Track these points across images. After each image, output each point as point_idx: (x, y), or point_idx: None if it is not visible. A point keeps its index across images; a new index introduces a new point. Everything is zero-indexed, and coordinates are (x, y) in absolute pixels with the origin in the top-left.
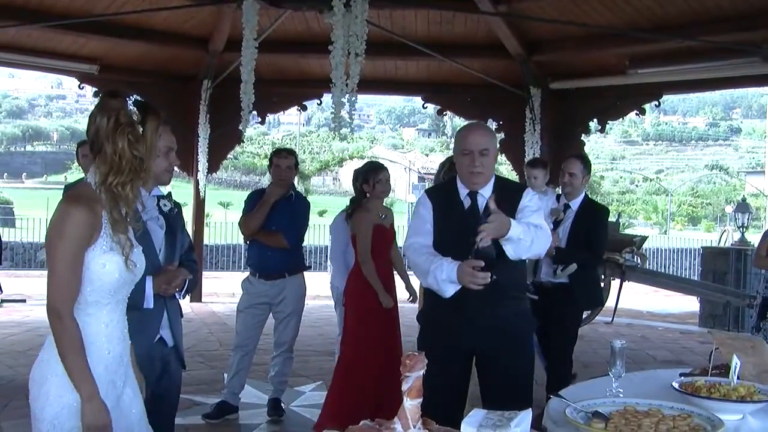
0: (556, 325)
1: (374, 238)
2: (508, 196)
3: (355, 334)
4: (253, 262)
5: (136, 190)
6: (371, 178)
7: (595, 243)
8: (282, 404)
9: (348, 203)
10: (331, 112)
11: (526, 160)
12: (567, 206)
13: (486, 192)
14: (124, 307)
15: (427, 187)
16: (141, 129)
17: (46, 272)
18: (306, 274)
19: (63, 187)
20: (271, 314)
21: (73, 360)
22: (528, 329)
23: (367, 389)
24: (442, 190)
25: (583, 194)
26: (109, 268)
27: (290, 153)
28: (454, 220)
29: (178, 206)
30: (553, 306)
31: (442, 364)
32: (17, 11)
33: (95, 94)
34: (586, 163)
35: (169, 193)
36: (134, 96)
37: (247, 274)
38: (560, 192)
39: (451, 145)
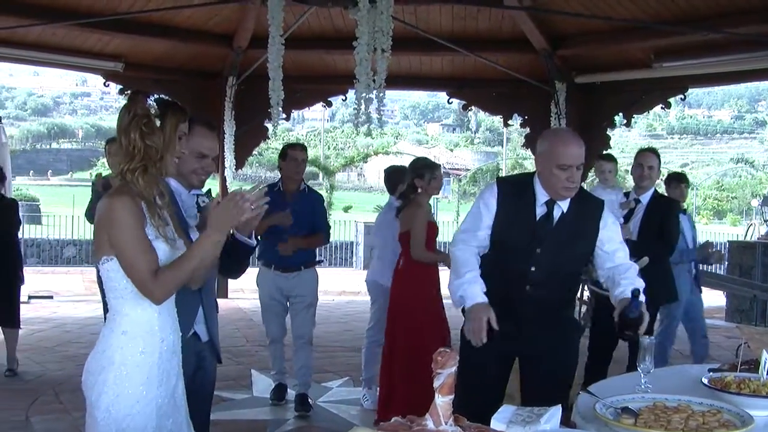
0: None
1: (426, 233)
2: (590, 211)
3: (409, 329)
4: (269, 256)
5: (148, 179)
6: (427, 175)
7: (668, 235)
8: (309, 399)
9: (394, 200)
10: (355, 109)
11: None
12: (637, 200)
13: (564, 204)
14: (173, 297)
15: (452, 183)
16: (159, 122)
17: (70, 269)
18: (333, 269)
19: (90, 183)
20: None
21: (190, 264)
22: (574, 334)
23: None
24: (517, 187)
25: (653, 189)
26: (157, 254)
27: (304, 148)
28: (521, 226)
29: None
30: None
31: (483, 364)
32: (43, 10)
33: (120, 92)
34: (659, 157)
35: (209, 190)
36: (160, 96)
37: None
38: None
39: (476, 140)
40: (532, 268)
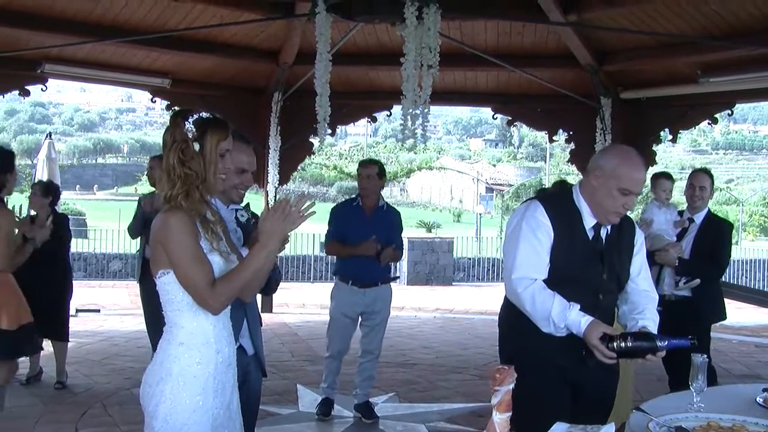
0: None
1: None
2: (626, 231)
3: None
4: (347, 271)
5: (191, 202)
6: None
7: (720, 256)
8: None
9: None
10: (401, 124)
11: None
12: (691, 220)
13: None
14: (228, 309)
15: (495, 199)
16: (198, 146)
17: (116, 282)
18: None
19: (137, 199)
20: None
21: (244, 275)
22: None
23: None
24: (563, 212)
25: (707, 209)
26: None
27: (373, 163)
28: (577, 254)
29: (255, 217)
30: (679, 324)
31: (542, 384)
32: (92, 28)
33: (167, 108)
34: (712, 177)
35: (248, 204)
36: (200, 114)
37: (329, 283)
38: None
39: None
40: (600, 296)
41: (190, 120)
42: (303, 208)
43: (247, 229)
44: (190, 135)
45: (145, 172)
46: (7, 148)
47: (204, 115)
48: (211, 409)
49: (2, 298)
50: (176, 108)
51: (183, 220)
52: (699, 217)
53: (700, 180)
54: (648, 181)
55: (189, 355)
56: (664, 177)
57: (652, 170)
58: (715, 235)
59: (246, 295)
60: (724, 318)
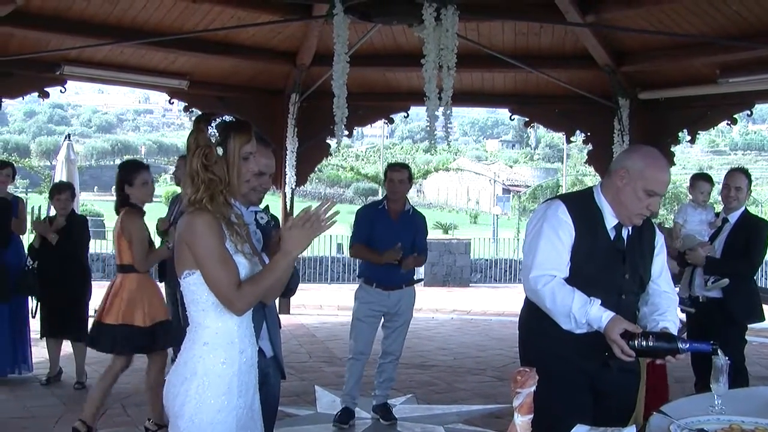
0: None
1: None
2: (647, 232)
3: None
4: (372, 274)
5: (216, 206)
6: None
7: (753, 253)
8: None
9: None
10: (427, 126)
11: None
12: (726, 220)
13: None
14: (251, 311)
15: (511, 200)
16: (221, 150)
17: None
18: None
19: (170, 199)
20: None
21: (268, 280)
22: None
23: None
24: (585, 212)
25: (743, 209)
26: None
27: (404, 167)
28: (599, 254)
29: (275, 219)
30: (709, 323)
31: (566, 392)
32: (111, 29)
33: (185, 109)
34: (749, 177)
35: (267, 207)
36: (223, 117)
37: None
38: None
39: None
40: (622, 296)
41: (213, 124)
42: (327, 216)
43: (266, 231)
44: (213, 140)
45: (168, 174)
46: (136, 160)
47: (227, 118)
48: (235, 409)
49: (138, 297)
50: (194, 110)
51: (209, 222)
52: (734, 217)
53: (736, 180)
54: (686, 182)
55: (214, 355)
56: (703, 179)
57: (674, 171)
58: (749, 233)
59: (267, 297)
60: (762, 320)
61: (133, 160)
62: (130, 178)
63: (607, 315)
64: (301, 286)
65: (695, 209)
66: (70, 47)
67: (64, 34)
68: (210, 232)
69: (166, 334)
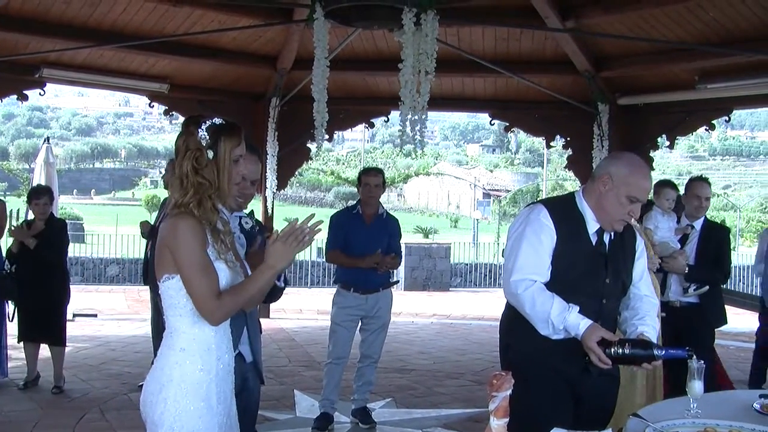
0: (694, 348)
1: None
2: (628, 237)
3: None
4: (349, 278)
5: (203, 211)
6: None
7: (724, 262)
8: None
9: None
10: (399, 130)
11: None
12: (691, 226)
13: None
14: (228, 318)
15: (492, 205)
16: (212, 153)
17: (113, 287)
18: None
19: (160, 203)
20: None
21: (249, 292)
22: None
23: None
24: (567, 216)
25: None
26: (218, 275)
27: (378, 172)
28: (581, 259)
29: (259, 224)
30: (687, 328)
31: (545, 396)
32: (90, 32)
33: (165, 113)
34: (710, 185)
35: (252, 212)
36: (212, 120)
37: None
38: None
39: (516, 161)
40: (603, 301)
41: (203, 127)
42: (311, 224)
43: (250, 236)
44: (203, 142)
45: (161, 176)
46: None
47: (216, 120)
48: (216, 416)
49: None
50: (174, 113)
51: (193, 226)
52: (698, 224)
53: (706, 191)
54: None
55: (191, 361)
56: (668, 186)
57: (654, 176)
58: (717, 242)
59: (247, 306)
60: (726, 323)
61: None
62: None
63: (584, 323)
64: None
65: (663, 216)
66: (50, 50)
67: (43, 37)
68: (193, 237)
69: None
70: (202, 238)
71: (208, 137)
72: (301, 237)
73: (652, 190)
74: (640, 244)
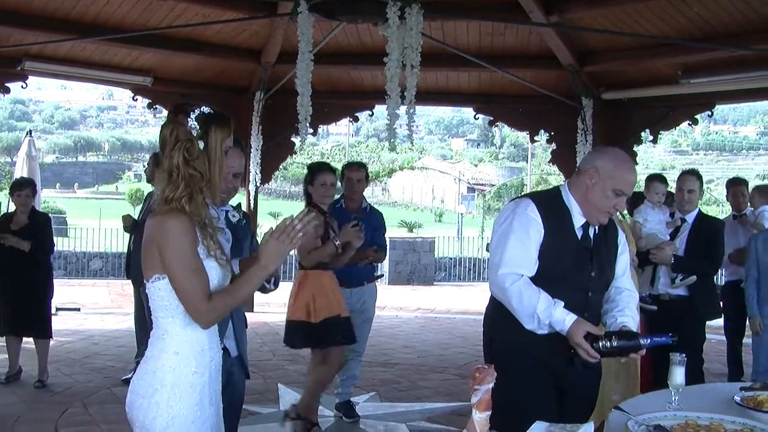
0: (682, 340)
1: None
2: (611, 231)
3: None
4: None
5: (194, 206)
6: None
7: (715, 253)
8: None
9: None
10: (387, 124)
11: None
12: (683, 219)
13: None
14: (219, 320)
15: (476, 199)
16: (203, 144)
17: (97, 281)
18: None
19: (146, 195)
20: None
21: (242, 294)
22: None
23: None
24: (553, 210)
25: (698, 209)
26: (209, 273)
27: (361, 166)
28: (567, 253)
29: (246, 217)
30: (676, 321)
31: (529, 390)
32: (73, 25)
33: (149, 106)
34: (701, 179)
35: (239, 204)
36: (201, 108)
37: None
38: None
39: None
40: (589, 294)
41: (193, 116)
42: (303, 220)
43: (236, 229)
44: (194, 132)
45: (128, 172)
46: (323, 162)
47: (205, 109)
48: (208, 419)
49: (306, 292)
50: (158, 107)
51: (184, 225)
52: (690, 217)
53: (689, 183)
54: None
55: (185, 365)
56: (658, 180)
57: (638, 171)
58: (709, 233)
59: (239, 306)
60: (720, 316)
61: (320, 162)
62: (312, 178)
63: (570, 318)
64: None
65: (653, 209)
66: (32, 42)
67: (25, 29)
68: (184, 237)
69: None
70: (192, 237)
71: (198, 127)
72: (294, 234)
73: (643, 185)
74: (622, 239)
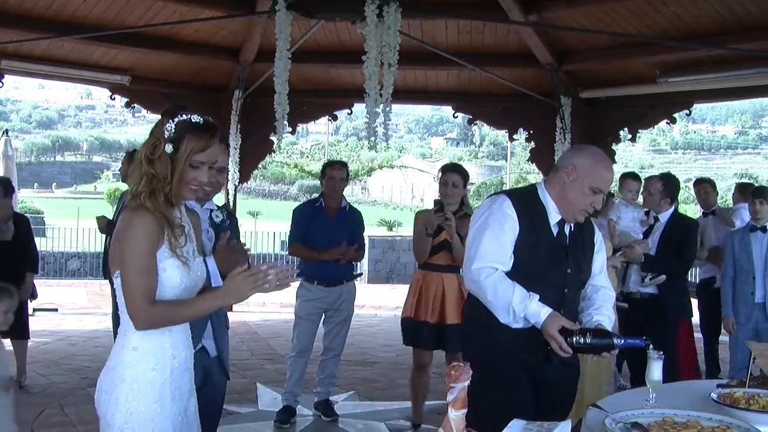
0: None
1: None
2: (587, 229)
3: None
4: (312, 271)
5: (155, 203)
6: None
7: (685, 253)
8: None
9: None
10: (366, 122)
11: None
12: (656, 218)
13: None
14: (156, 328)
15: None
16: (171, 148)
17: (74, 281)
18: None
19: (120, 195)
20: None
21: (186, 313)
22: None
23: None
24: (528, 206)
25: (673, 207)
26: (169, 273)
27: (343, 165)
28: (543, 249)
29: (231, 217)
30: (647, 321)
31: (507, 387)
32: (50, 23)
33: (126, 105)
34: (640, 180)
35: (225, 204)
36: (190, 115)
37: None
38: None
39: (480, 154)
40: (566, 290)
41: (174, 120)
42: (279, 281)
43: (219, 229)
44: (167, 134)
45: (108, 171)
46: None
47: (194, 118)
48: (170, 416)
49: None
50: (136, 105)
51: (147, 224)
52: (664, 216)
53: (633, 186)
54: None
55: (144, 361)
56: (631, 178)
57: (616, 169)
58: (681, 233)
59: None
60: (691, 315)
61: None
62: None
63: (545, 311)
64: None
65: (627, 207)
66: (8, 41)
67: (0, 28)
68: (144, 236)
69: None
70: (153, 238)
71: (173, 130)
72: (261, 283)
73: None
74: (599, 238)
